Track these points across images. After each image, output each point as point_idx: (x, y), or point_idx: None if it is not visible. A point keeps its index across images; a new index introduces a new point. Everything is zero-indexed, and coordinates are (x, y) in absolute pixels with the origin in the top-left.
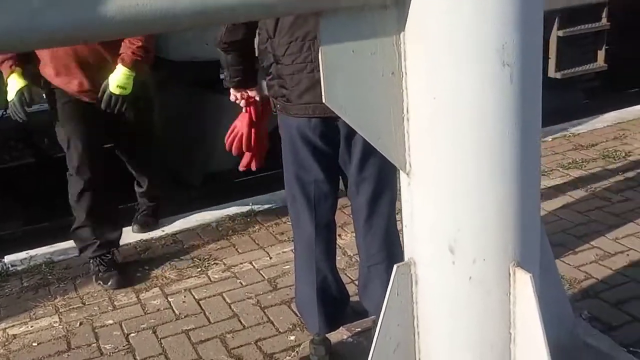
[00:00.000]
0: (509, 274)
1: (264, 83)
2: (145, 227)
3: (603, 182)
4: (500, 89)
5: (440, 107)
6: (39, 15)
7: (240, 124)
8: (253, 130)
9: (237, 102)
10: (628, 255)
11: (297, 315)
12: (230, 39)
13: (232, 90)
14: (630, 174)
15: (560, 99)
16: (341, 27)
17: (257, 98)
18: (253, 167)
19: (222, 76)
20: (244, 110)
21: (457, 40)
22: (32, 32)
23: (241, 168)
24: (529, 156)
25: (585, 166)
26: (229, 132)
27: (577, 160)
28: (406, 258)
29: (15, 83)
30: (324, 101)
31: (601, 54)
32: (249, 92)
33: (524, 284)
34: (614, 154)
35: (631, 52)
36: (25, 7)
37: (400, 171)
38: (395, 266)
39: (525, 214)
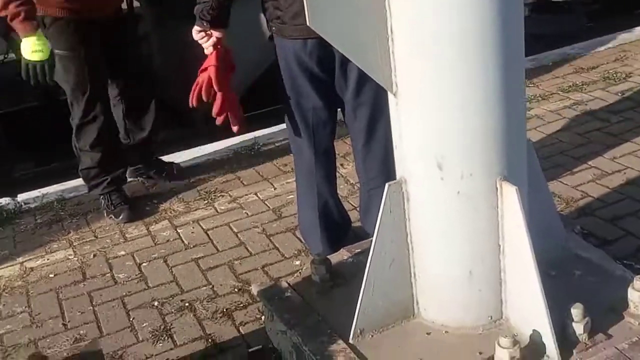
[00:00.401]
0: (496, 188)
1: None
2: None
3: (603, 104)
4: (481, 5)
5: (423, 26)
6: None
7: (207, 70)
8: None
9: (202, 42)
10: (625, 173)
11: (302, 242)
12: None
13: (197, 28)
14: (629, 94)
15: (561, 22)
16: None
17: (224, 39)
18: (233, 125)
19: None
20: (206, 52)
21: None
22: None
23: (218, 119)
24: (514, 73)
25: (585, 89)
26: (193, 87)
27: (578, 83)
28: (398, 176)
29: (34, 45)
30: (308, 24)
31: None
32: (216, 33)
33: (510, 197)
34: (615, 75)
35: None
36: None
37: (388, 91)
38: (387, 184)
39: (511, 129)
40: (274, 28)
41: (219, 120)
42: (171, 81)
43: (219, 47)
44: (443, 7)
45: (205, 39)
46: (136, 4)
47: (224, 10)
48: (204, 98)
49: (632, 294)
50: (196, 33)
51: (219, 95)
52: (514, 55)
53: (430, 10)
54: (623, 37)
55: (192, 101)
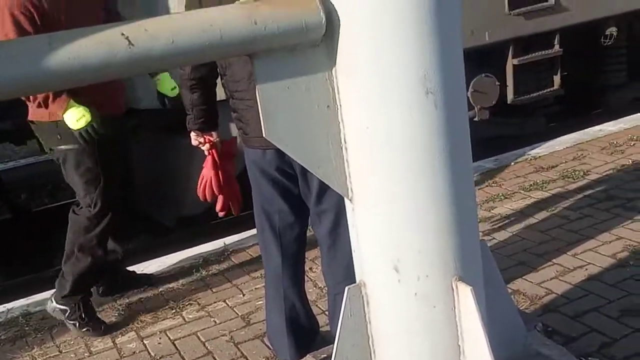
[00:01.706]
0: (452, 289)
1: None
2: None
3: (563, 202)
4: (426, 115)
5: (374, 136)
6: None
7: (207, 170)
8: (220, 172)
9: (200, 146)
10: (587, 269)
11: (270, 349)
12: (196, 74)
13: (193, 135)
14: (588, 192)
15: (519, 124)
16: (275, 67)
17: (217, 140)
18: (234, 211)
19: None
20: (206, 153)
21: (382, 72)
22: None
23: (220, 213)
24: (462, 176)
25: (545, 187)
26: (199, 182)
27: (538, 182)
28: (357, 280)
29: (76, 113)
30: (264, 135)
31: (557, 79)
32: (209, 136)
33: (466, 297)
34: (573, 173)
35: (585, 77)
36: None
37: (345, 198)
38: (346, 288)
39: (464, 230)
40: (240, 137)
41: (222, 214)
42: (143, 189)
43: (213, 150)
44: (394, 119)
45: (198, 142)
46: None
47: (209, 115)
48: (207, 198)
49: None
50: (193, 139)
51: (220, 197)
52: (461, 160)
53: (382, 121)
54: (580, 136)
55: (200, 196)
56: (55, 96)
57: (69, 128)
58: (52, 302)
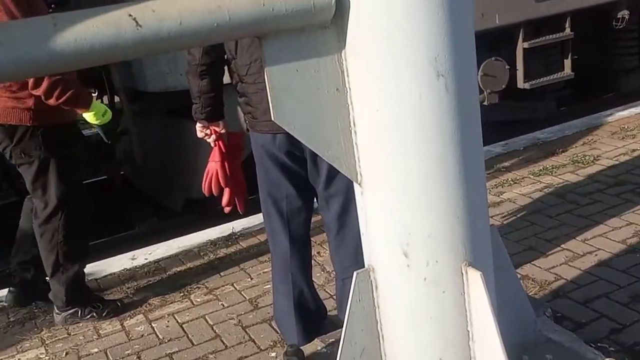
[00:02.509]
0: (462, 274)
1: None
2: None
3: (573, 187)
4: (437, 98)
5: (384, 118)
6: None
7: (213, 163)
8: (226, 163)
9: (206, 138)
10: (596, 255)
11: (278, 332)
12: (207, 60)
13: (199, 126)
14: (598, 177)
15: (529, 108)
16: (283, 49)
17: (224, 131)
18: (240, 207)
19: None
20: (212, 145)
21: (393, 55)
22: None
23: (225, 209)
24: (472, 159)
25: (555, 172)
26: (204, 176)
27: (548, 166)
28: (365, 264)
29: (100, 108)
30: (273, 119)
31: (568, 63)
32: (216, 127)
33: (476, 282)
34: (583, 159)
35: (596, 60)
36: None
37: (353, 181)
38: (355, 273)
39: (473, 215)
40: (247, 122)
41: (227, 210)
42: (151, 174)
43: (219, 141)
44: (404, 101)
45: (204, 134)
46: (117, 99)
47: (216, 105)
48: (213, 192)
49: None
50: (198, 131)
51: (226, 191)
52: (472, 143)
53: (392, 104)
54: (590, 121)
55: (205, 191)
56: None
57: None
58: (59, 314)
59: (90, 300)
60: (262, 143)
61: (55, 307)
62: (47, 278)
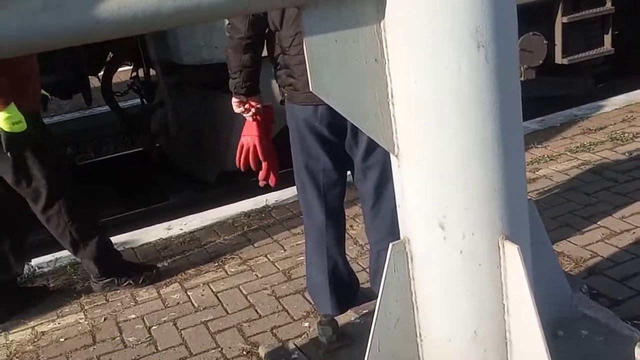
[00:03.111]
0: (498, 247)
1: (273, 83)
2: None
3: (610, 164)
4: (477, 70)
5: (422, 90)
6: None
7: (250, 137)
8: (263, 138)
9: (244, 113)
10: (634, 233)
11: (311, 303)
12: (252, 32)
13: (236, 100)
14: (637, 154)
15: (567, 84)
16: (322, 19)
17: (260, 106)
18: (272, 183)
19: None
20: (251, 120)
21: (433, 25)
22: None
23: (261, 183)
24: (511, 133)
25: (593, 149)
26: (238, 151)
27: (585, 143)
28: (401, 236)
29: (14, 116)
30: (311, 89)
31: (608, 38)
32: (254, 101)
33: (512, 256)
34: (622, 136)
35: (637, 36)
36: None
37: (390, 153)
38: (390, 244)
39: (511, 189)
40: (286, 94)
41: (262, 184)
42: (186, 146)
43: (257, 116)
44: (443, 73)
45: (243, 109)
46: (152, 72)
47: (255, 79)
48: (252, 166)
49: (638, 353)
50: (236, 106)
51: (264, 164)
52: (511, 116)
53: (431, 75)
54: (630, 98)
55: (240, 165)
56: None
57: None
58: (96, 283)
59: (125, 268)
60: (303, 116)
61: (91, 277)
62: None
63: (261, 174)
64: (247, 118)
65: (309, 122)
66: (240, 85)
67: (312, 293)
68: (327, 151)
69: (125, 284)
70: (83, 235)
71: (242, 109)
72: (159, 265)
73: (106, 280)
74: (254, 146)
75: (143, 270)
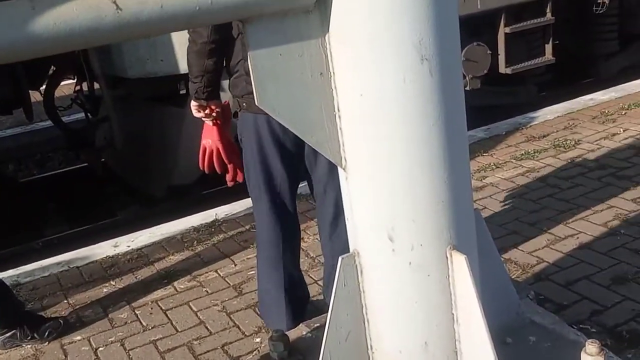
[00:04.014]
0: (446, 257)
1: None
2: None
3: (554, 171)
4: (421, 83)
5: (368, 103)
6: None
7: (212, 141)
8: (225, 140)
9: (205, 117)
10: (578, 238)
11: (262, 319)
12: (216, 37)
13: (196, 105)
14: (579, 161)
15: (511, 93)
16: (267, 32)
17: (219, 110)
18: (239, 178)
19: (189, 90)
20: (210, 123)
21: (377, 39)
22: None
23: (230, 184)
24: (457, 144)
25: (537, 156)
26: (201, 153)
27: (530, 151)
28: (351, 249)
29: None
30: (256, 103)
31: (549, 48)
32: (214, 105)
33: (460, 266)
34: (564, 143)
35: (577, 45)
36: None
37: (338, 166)
38: (340, 258)
39: (458, 199)
40: (244, 104)
41: (231, 184)
42: (132, 161)
43: (218, 120)
44: (388, 86)
45: (204, 114)
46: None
47: (216, 84)
48: (217, 170)
49: (584, 358)
50: (195, 111)
51: (230, 166)
52: (456, 128)
53: (376, 88)
54: (571, 105)
55: (204, 168)
56: None
57: None
58: None
59: (25, 318)
60: (265, 126)
61: None
62: None
63: (228, 176)
64: (207, 122)
65: (272, 130)
66: (201, 90)
67: (265, 307)
68: (285, 162)
69: (29, 337)
70: None
71: (202, 114)
72: (105, 284)
73: (7, 335)
74: (217, 149)
75: (48, 321)
